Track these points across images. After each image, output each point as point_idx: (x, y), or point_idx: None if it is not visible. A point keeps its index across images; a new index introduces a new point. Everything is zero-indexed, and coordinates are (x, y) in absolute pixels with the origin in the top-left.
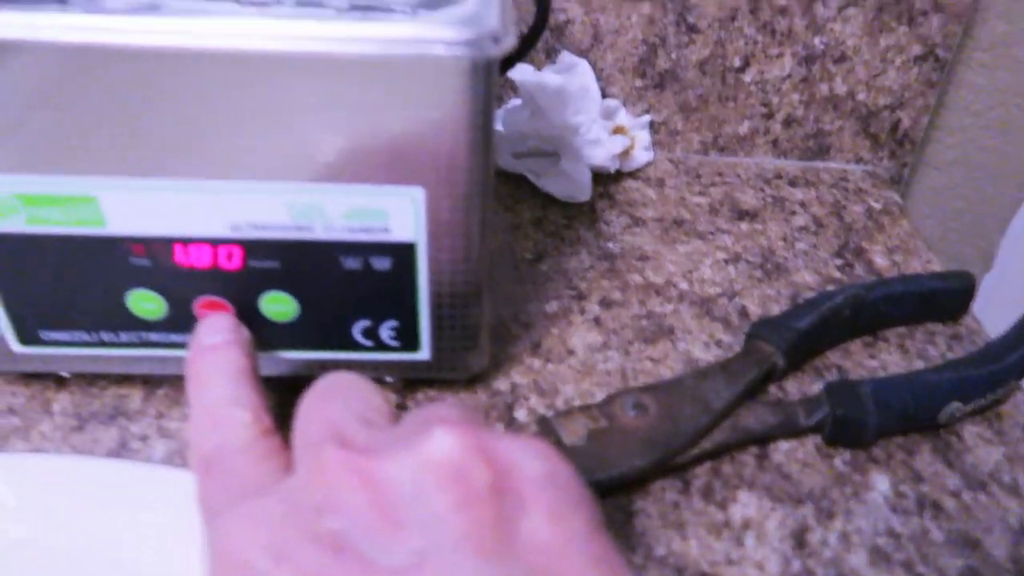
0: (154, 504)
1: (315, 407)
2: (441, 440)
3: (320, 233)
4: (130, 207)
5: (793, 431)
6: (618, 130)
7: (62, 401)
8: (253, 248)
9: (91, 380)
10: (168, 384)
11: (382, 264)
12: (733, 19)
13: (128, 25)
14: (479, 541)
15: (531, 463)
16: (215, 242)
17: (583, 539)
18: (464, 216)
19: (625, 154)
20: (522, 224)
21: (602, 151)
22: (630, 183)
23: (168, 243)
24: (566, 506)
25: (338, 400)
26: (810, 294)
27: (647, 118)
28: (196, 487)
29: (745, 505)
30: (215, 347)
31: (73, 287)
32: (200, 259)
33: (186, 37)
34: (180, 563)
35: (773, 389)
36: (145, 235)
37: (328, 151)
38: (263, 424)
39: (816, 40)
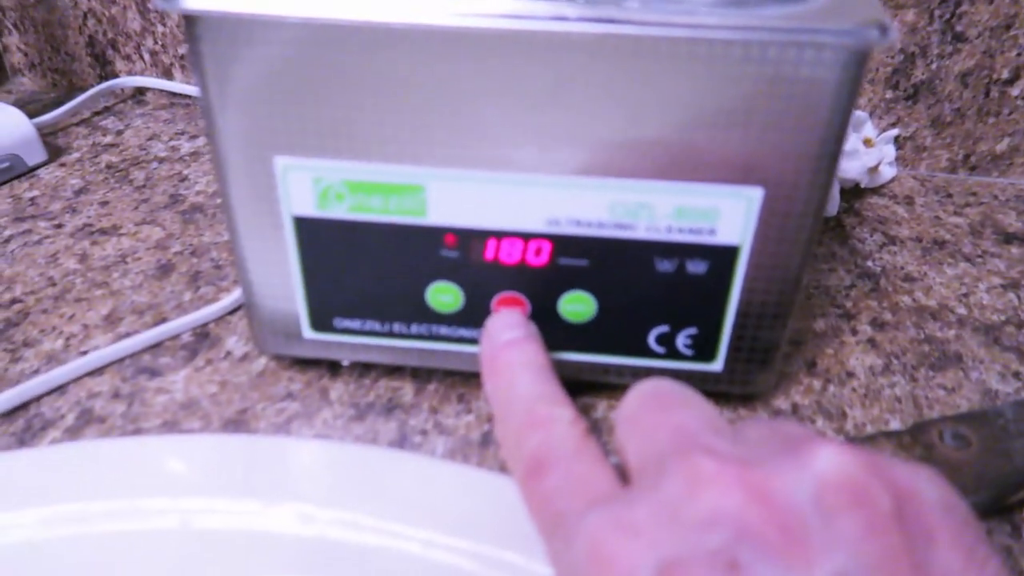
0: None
1: (653, 415)
2: (834, 458)
3: (641, 233)
4: (453, 198)
5: None
6: (866, 143)
7: (338, 390)
8: (564, 245)
9: (363, 371)
10: (437, 379)
11: (697, 268)
12: (1008, 27)
13: (466, 7)
14: (894, 571)
15: (928, 489)
16: (527, 236)
17: None
18: (798, 222)
19: (873, 170)
20: None
21: (857, 164)
22: (875, 200)
23: (481, 236)
24: (973, 540)
25: (681, 409)
26: None
27: (894, 132)
28: (524, 486)
29: None
30: (515, 342)
31: (378, 277)
32: (509, 254)
33: (519, 22)
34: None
35: None
36: (462, 227)
37: (668, 146)
38: (584, 425)
39: None
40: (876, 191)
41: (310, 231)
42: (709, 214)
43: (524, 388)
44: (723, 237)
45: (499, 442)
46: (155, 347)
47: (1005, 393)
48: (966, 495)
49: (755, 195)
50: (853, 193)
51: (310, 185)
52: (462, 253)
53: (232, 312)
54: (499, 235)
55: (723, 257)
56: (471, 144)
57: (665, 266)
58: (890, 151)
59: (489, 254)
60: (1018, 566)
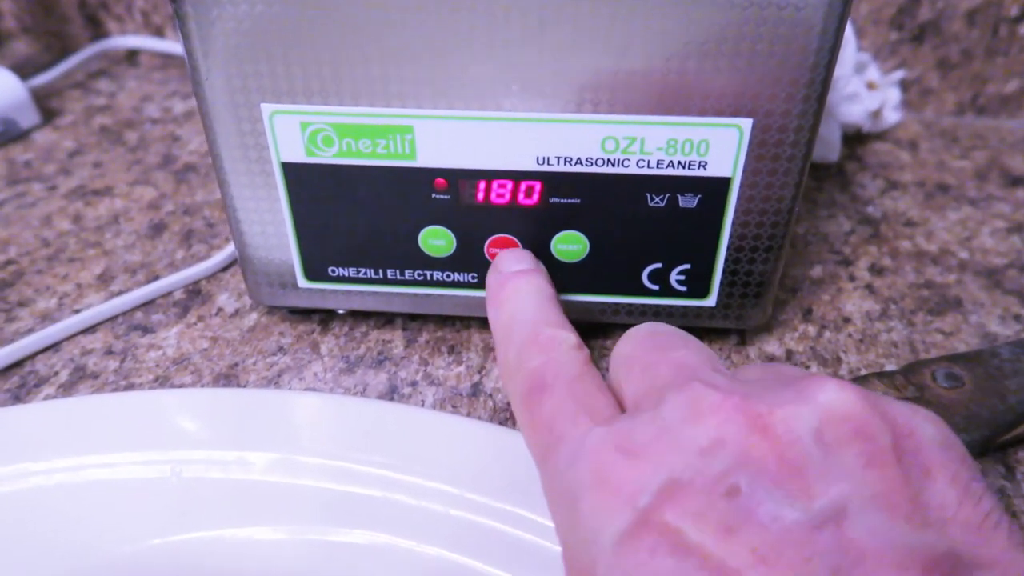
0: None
1: (652, 352)
2: (835, 394)
3: (632, 168)
4: (442, 140)
5: None
6: (869, 86)
7: (329, 344)
8: (555, 184)
9: (353, 325)
10: (428, 332)
11: (689, 202)
12: None
13: None
14: (893, 502)
15: (926, 427)
16: (517, 177)
17: (997, 517)
18: (788, 153)
19: (876, 114)
20: None
21: (859, 107)
22: (878, 145)
23: (472, 178)
24: (969, 477)
25: (680, 348)
26: None
27: (899, 74)
28: (523, 403)
29: None
30: (523, 272)
31: (370, 223)
32: (500, 195)
33: None
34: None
35: None
36: (453, 168)
37: (656, 79)
38: (587, 352)
39: None
40: (880, 137)
41: (300, 178)
42: (699, 146)
43: (530, 312)
44: (714, 170)
45: (499, 365)
46: (147, 304)
47: (1005, 336)
48: (958, 435)
49: (744, 126)
50: (856, 139)
51: (298, 131)
52: (453, 196)
53: (224, 269)
54: (489, 176)
55: (714, 190)
56: (458, 84)
57: (657, 201)
58: (894, 95)
59: (480, 196)
60: (1012, 506)
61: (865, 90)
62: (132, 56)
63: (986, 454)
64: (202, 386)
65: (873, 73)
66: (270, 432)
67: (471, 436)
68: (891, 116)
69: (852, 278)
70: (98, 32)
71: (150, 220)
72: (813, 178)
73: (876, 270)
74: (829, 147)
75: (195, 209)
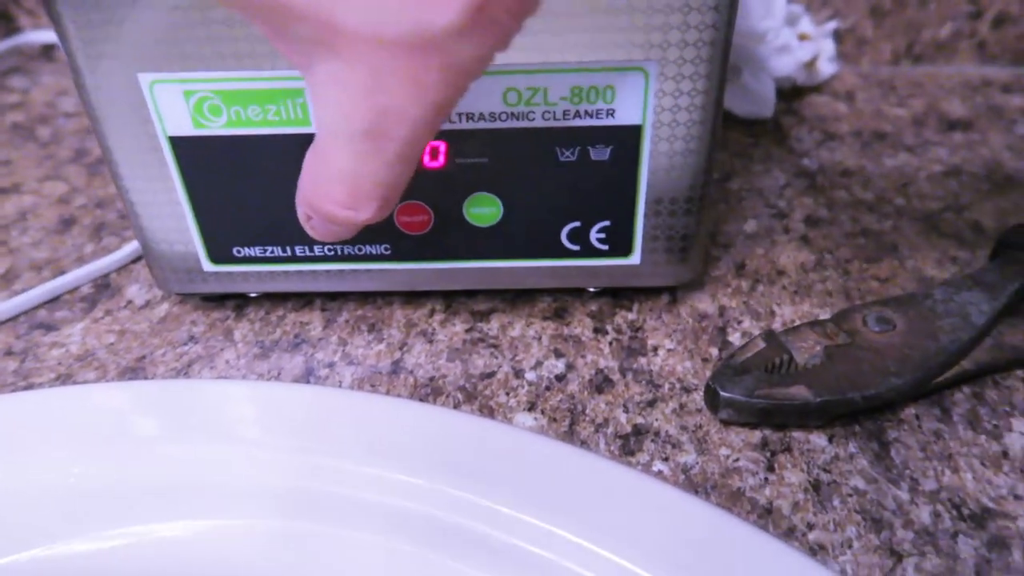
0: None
1: None
2: None
3: (538, 121)
4: None
5: None
6: (801, 38)
7: (243, 330)
8: (460, 143)
9: (270, 309)
10: (348, 311)
11: (600, 154)
12: None
13: None
14: None
15: None
16: None
17: None
18: (698, 100)
19: (810, 65)
20: None
21: (790, 60)
22: (815, 98)
23: None
24: None
25: None
26: None
27: (833, 25)
28: None
29: None
30: None
31: (270, 197)
32: None
33: None
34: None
35: None
36: None
37: (556, 26)
38: None
39: None
40: (817, 89)
41: (190, 153)
42: (605, 93)
43: None
44: (623, 117)
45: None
46: (52, 301)
47: (942, 279)
48: (890, 378)
49: (650, 69)
50: (793, 93)
51: (182, 101)
52: None
53: (136, 260)
54: None
55: (625, 140)
56: None
57: (568, 155)
58: (829, 46)
59: None
60: (949, 448)
61: (796, 41)
62: (48, 51)
63: (922, 397)
64: (107, 381)
65: (806, 25)
66: (175, 423)
67: (389, 413)
68: (827, 68)
69: (787, 230)
70: (10, 28)
71: (59, 215)
72: (748, 134)
73: (812, 221)
74: (762, 102)
75: (107, 202)
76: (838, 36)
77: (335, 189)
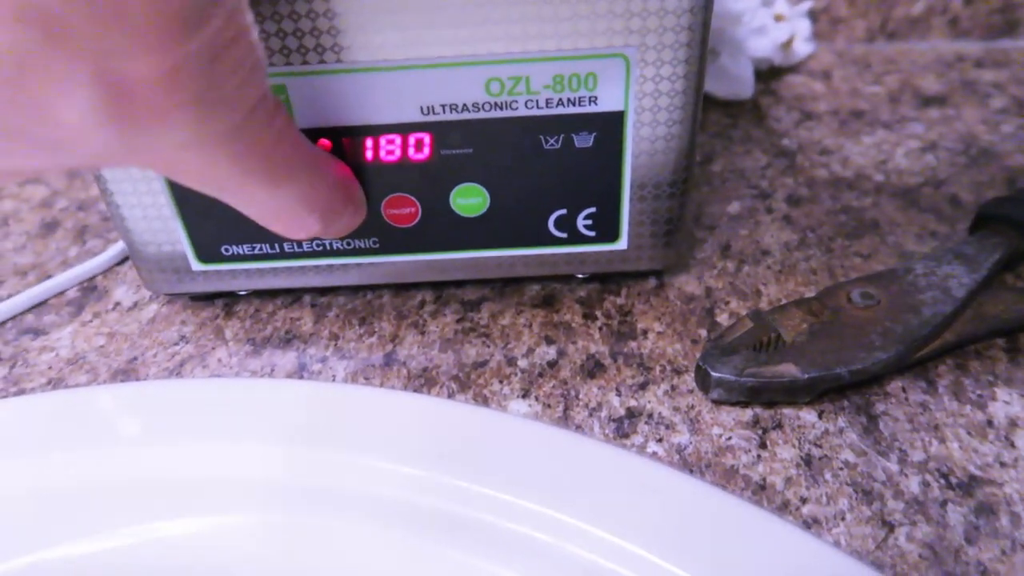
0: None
1: None
2: None
3: (521, 110)
4: (318, 96)
5: None
6: (777, 19)
7: (234, 328)
8: (444, 134)
9: (260, 306)
10: (338, 306)
11: (584, 141)
12: None
13: None
14: None
15: None
16: (404, 130)
17: None
18: (680, 84)
19: (786, 45)
20: None
21: (767, 41)
22: (792, 78)
23: (357, 135)
24: None
25: None
26: None
27: (808, 4)
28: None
29: (1008, 403)
30: None
31: None
32: (389, 151)
33: None
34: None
35: (1010, 278)
36: (335, 126)
37: (537, 14)
38: None
39: None
40: (794, 69)
41: None
42: (587, 81)
43: None
44: (605, 104)
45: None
46: (39, 306)
47: (922, 254)
48: (876, 352)
49: (630, 55)
50: (770, 74)
51: None
52: (340, 157)
53: (121, 262)
54: (375, 132)
55: (609, 126)
56: (327, 34)
57: (552, 143)
58: (804, 26)
59: (369, 155)
60: (935, 420)
61: (772, 22)
62: None
63: (907, 370)
64: (99, 384)
65: (781, 6)
66: (169, 424)
67: (383, 406)
68: (803, 48)
69: (770, 210)
70: None
71: (42, 219)
72: (728, 115)
73: (793, 200)
74: (741, 83)
75: (89, 204)
76: (813, 15)
77: (281, 224)
